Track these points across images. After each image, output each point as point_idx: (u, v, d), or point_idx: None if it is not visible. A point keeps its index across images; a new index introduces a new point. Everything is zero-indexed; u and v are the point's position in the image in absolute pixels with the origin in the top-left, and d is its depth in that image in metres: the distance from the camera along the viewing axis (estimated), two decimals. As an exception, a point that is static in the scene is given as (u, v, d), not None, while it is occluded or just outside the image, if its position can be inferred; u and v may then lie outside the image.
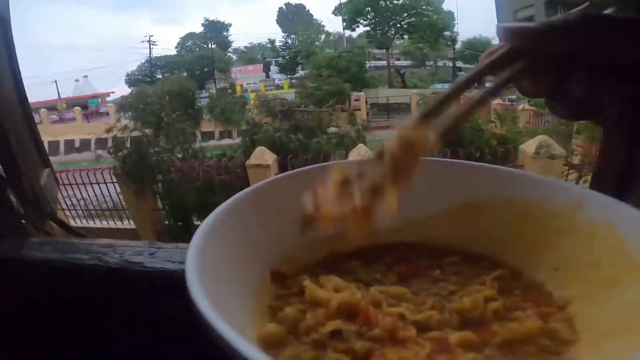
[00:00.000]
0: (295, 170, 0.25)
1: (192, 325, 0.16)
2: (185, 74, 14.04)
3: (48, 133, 10.41)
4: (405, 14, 16.98)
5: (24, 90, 0.52)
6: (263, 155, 4.22)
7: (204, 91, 12.00)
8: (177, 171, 4.94)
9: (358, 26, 18.48)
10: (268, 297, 0.20)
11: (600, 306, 0.17)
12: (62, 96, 16.10)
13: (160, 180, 5.00)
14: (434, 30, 16.73)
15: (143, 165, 4.96)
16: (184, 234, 4.46)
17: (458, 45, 18.46)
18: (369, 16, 17.75)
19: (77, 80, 17.97)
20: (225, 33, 21.88)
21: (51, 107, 13.72)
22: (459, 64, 18.18)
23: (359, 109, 8.45)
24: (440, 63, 19.93)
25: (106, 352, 0.36)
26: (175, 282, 0.29)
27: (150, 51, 17.40)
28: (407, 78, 17.04)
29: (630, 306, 0.15)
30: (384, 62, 18.47)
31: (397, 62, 19.44)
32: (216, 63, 17.98)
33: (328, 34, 22.45)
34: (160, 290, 0.32)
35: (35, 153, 0.54)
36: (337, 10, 18.65)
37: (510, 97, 9.54)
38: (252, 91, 11.67)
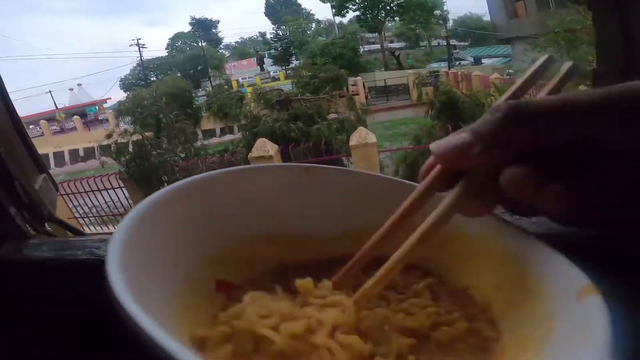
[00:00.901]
0: (248, 166, 0.24)
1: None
2: (179, 74, 13.94)
3: (51, 144, 10.43)
4: None
5: (9, 98, 0.53)
6: (264, 147, 4.23)
7: (200, 89, 11.96)
8: (182, 170, 4.98)
9: (347, 12, 18.15)
10: (204, 299, 0.20)
11: (509, 320, 0.19)
12: (59, 106, 16.12)
13: (165, 180, 5.06)
14: (424, 9, 16.41)
15: (147, 168, 5.01)
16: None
17: (450, 24, 18.14)
18: (357, 1, 17.46)
19: (71, 89, 17.97)
20: (214, 30, 21.67)
21: (50, 117, 13.72)
22: (453, 42, 17.92)
23: (357, 94, 8.39)
24: (434, 42, 19.65)
25: (109, 344, 0.38)
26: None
27: (140, 54, 17.29)
28: (403, 59, 16.78)
29: (528, 326, 0.17)
30: (378, 46, 18.23)
31: (390, 45, 19.19)
32: (209, 60, 17.84)
33: (318, 21, 22.15)
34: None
35: (29, 160, 0.54)
36: None
37: (509, 70, 9.42)
38: (248, 85, 11.59)
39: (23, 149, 0.55)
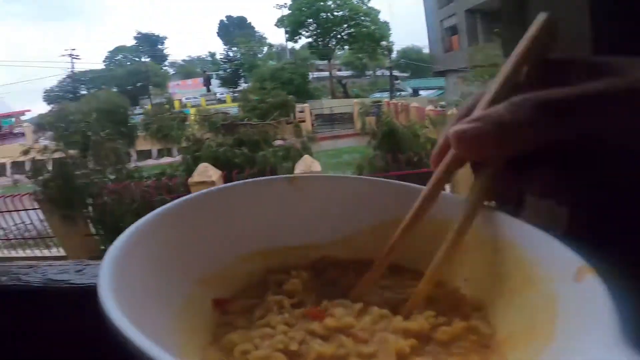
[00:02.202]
0: (228, 184, 0.24)
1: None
2: (115, 90, 13.01)
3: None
4: (346, 25, 17.50)
5: None
6: (206, 172, 4.06)
7: (138, 107, 11.27)
8: (111, 193, 4.56)
9: (300, 38, 18.73)
10: (203, 319, 0.20)
11: (506, 311, 0.19)
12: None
13: (90, 204, 4.58)
14: (372, 40, 17.36)
15: (69, 189, 4.49)
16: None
17: (394, 55, 19.20)
18: (310, 28, 18.01)
19: (-16, 98, 15.78)
20: (160, 46, 20.87)
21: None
22: (396, 72, 19.01)
23: (304, 121, 8.53)
24: (378, 72, 20.80)
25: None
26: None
27: (72, 65, 15.90)
28: (349, 88, 17.45)
29: (531, 312, 0.18)
30: (326, 73, 18.92)
31: (338, 73, 20.02)
32: (151, 77, 16.99)
33: (270, 46, 22.50)
34: (91, 307, 0.32)
35: None
36: (279, 23, 18.77)
37: (441, 102, 10.34)
38: (192, 106, 11.19)
39: None
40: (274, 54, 21.22)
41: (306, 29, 18.05)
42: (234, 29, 22.12)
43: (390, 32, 18.51)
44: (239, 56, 19.52)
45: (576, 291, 0.16)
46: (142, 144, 6.33)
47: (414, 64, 19.08)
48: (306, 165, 4.27)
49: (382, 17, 17.91)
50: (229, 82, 18.86)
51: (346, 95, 16.08)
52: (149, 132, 5.76)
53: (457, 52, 12.24)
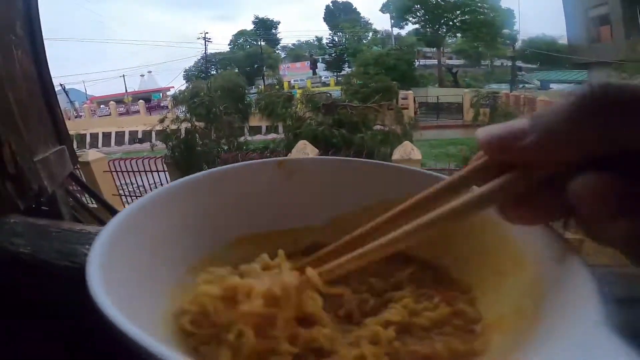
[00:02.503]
0: (217, 168, 0.23)
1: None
2: (236, 70, 14.53)
3: (115, 124, 11.41)
4: (459, 12, 16.16)
5: (47, 65, 0.52)
6: (304, 149, 4.18)
7: (253, 87, 12.39)
8: (222, 162, 5.12)
9: (407, 24, 17.93)
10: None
11: (493, 293, 0.19)
12: (129, 90, 17.65)
13: (205, 169, 5.22)
14: (491, 28, 15.77)
15: (190, 155, 5.20)
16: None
17: (518, 44, 17.16)
18: (418, 14, 17.15)
19: (142, 76, 19.62)
20: (274, 30, 22.39)
21: (119, 100, 15.08)
22: (519, 63, 16.98)
23: (407, 108, 8.11)
24: (497, 62, 18.71)
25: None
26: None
27: (205, 48, 18.27)
28: (460, 77, 16.21)
29: (516, 294, 0.17)
30: (434, 61, 17.77)
31: (448, 61, 18.62)
32: (265, 60, 18.44)
33: (375, 31, 22.06)
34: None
35: (48, 127, 0.51)
36: (385, 8, 18.25)
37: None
38: (299, 88, 11.82)
39: (47, 116, 0.52)
40: (379, 39, 20.73)
41: (413, 15, 17.14)
42: (340, 14, 22.31)
43: (516, 20, 16.27)
44: (343, 41, 19.70)
45: (560, 273, 0.15)
46: (254, 121, 6.95)
47: (545, 54, 16.49)
48: (405, 151, 4.02)
49: (505, 4, 15.82)
50: (334, 66, 19.26)
51: (456, 84, 14.91)
52: (258, 107, 6.25)
53: (607, 44, 10.46)
